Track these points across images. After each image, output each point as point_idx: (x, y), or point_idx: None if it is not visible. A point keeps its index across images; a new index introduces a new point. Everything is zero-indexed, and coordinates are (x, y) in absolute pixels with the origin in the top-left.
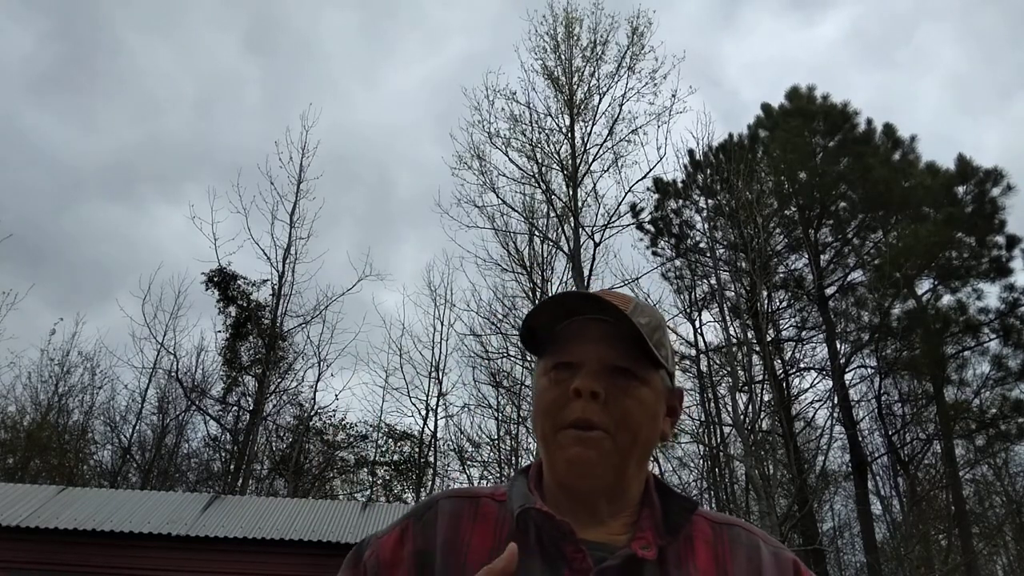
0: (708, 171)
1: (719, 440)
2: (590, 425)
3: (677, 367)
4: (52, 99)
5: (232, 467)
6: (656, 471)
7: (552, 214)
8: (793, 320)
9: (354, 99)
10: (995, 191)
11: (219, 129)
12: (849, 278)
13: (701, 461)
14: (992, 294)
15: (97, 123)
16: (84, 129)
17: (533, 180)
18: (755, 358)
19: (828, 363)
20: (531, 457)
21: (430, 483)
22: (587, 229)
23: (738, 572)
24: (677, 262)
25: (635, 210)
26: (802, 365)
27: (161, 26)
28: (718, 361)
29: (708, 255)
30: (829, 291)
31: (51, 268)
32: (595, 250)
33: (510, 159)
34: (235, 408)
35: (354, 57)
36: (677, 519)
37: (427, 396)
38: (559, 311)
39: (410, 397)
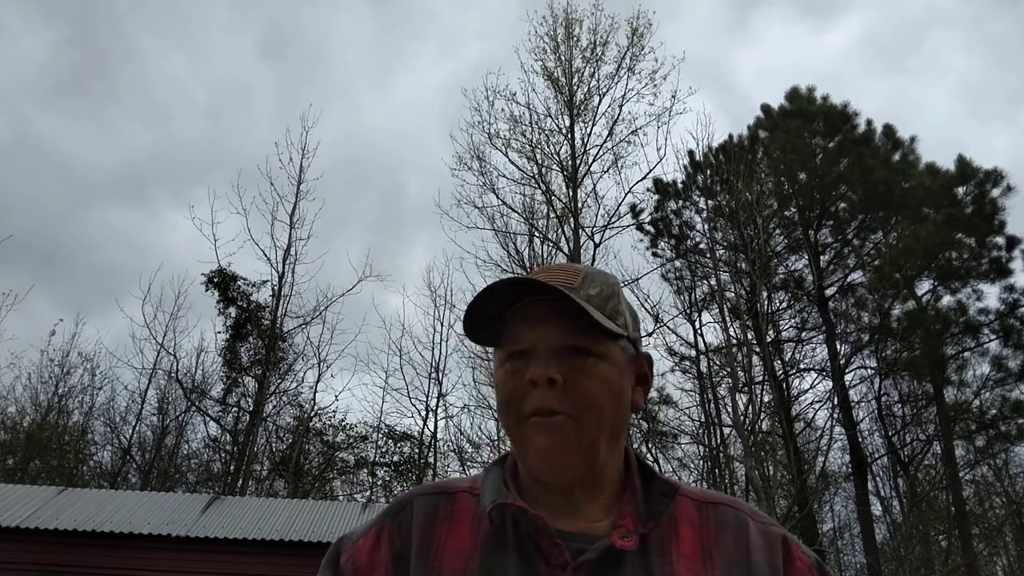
0: (708, 172)
1: (719, 441)
2: (551, 412)
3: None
4: (66, 104)
5: (232, 468)
6: (657, 471)
7: (552, 215)
8: (793, 321)
9: (366, 104)
10: (995, 192)
11: (232, 134)
12: (849, 279)
13: (701, 462)
14: (992, 295)
15: (110, 128)
16: (97, 134)
17: (533, 181)
18: (755, 359)
19: (828, 364)
20: None
21: None
22: (587, 230)
23: (724, 554)
24: (677, 263)
25: (635, 211)
26: (802, 366)
27: (175, 32)
28: (718, 362)
29: (708, 256)
30: (829, 292)
31: (62, 271)
32: (595, 251)
33: (510, 160)
34: (235, 409)
35: (367, 63)
36: (659, 504)
37: (427, 397)
38: (504, 299)
39: (410, 398)
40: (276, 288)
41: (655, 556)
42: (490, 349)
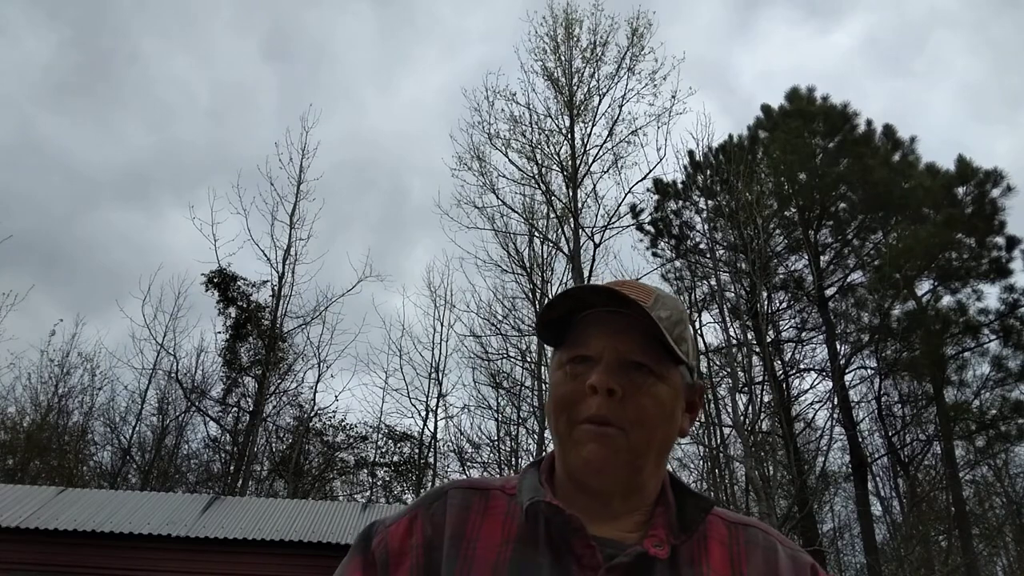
0: (708, 172)
1: (719, 441)
2: (605, 422)
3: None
4: (69, 106)
5: (232, 468)
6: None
7: (552, 215)
8: (793, 321)
9: (370, 106)
10: (995, 192)
11: (236, 135)
12: (849, 279)
13: (701, 462)
14: (992, 295)
15: (113, 129)
16: (100, 135)
17: (533, 181)
18: (755, 359)
19: (828, 364)
20: (530, 458)
21: (430, 484)
22: (587, 230)
23: (753, 574)
24: (677, 263)
25: (635, 211)
26: (802, 366)
27: (179, 33)
28: (718, 362)
29: (708, 256)
30: (829, 292)
31: (65, 271)
32: (595, 251)
33: (510, 160)
34: (235, 409)
35: (371, 64)
36: (692, 518)
37: (427, 397)
38: (577, 304)
39: (410, 398)
40: (276, 288)
41: (685, 568)
42: (491, 349)
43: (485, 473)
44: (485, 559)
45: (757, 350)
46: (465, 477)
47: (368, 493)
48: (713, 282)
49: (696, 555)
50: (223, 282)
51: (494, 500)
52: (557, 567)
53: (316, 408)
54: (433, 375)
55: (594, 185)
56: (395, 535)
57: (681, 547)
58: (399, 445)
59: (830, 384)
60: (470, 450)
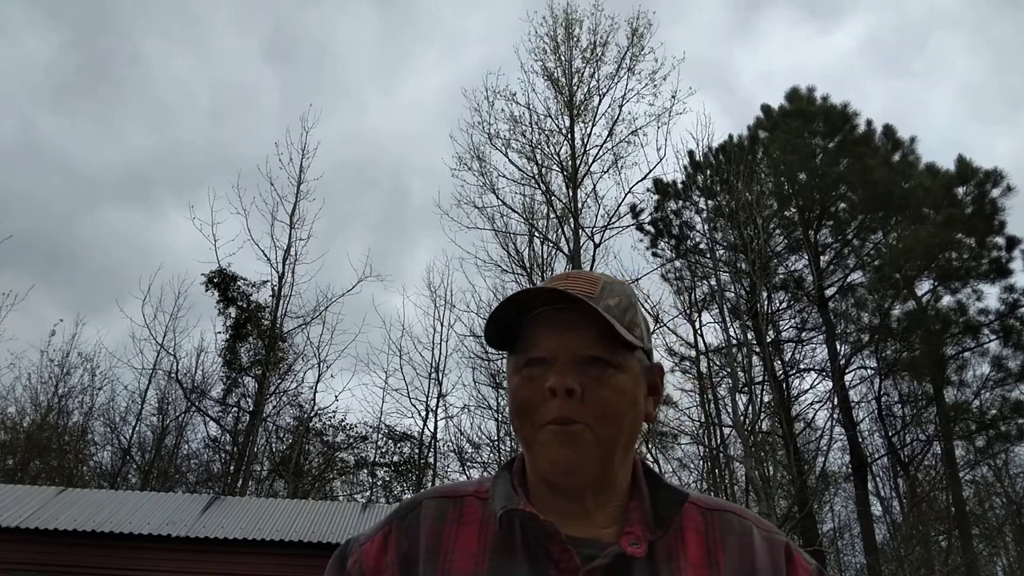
0: (708, 172)
1: (719, 441)
2: (570, 421)
3: (670, 358)
4: (70, 106)
5: (232, 468)
6: (656, 472)
7: (552, 215)
8: (793, 321)
9: (371, 106)
10: (995, 192)
11: (237, 136)
12: (849, 279)
13: (701, 462)
14: (992, 295)
15: (115, 130)
16: (101, 136)
17: (533, 181)
18: (755, 359)
19: (828, 364)
20: None
21: (430, 484)
22: (587, 230)
23: (729, 561)
24: (677, 263)
25: (635, 211)
26: (802, 366)
27: (180, 34)
28: (718, 362)
29: (708, 256)
30: (829, 292)
31: (66, 272)
32: (595, 251)
33: (510, 160)
34: (235, 409)
35: (372, 65)
36: (667, 512)
37: (427, 397)
38: (522, 304)
39: (410, 398)
40: (276, 288)
41: (663, 563)
42: (491, 349)
43: (485, 473)
44: (462, 571)
45: (757, 350)
46: (440, 486)
47: (368, 493)
48: (713, 282)
49: (673, 549)
50: (223, 282)
51: (469, 507)
52: (536, 573)
53: (316, 408)
54: (433, 375)
55: (594, 185)
56: (370, 553)
57: (658, 542)
58: (399, 445)
59: (830, 384)
60: (470, 450)
